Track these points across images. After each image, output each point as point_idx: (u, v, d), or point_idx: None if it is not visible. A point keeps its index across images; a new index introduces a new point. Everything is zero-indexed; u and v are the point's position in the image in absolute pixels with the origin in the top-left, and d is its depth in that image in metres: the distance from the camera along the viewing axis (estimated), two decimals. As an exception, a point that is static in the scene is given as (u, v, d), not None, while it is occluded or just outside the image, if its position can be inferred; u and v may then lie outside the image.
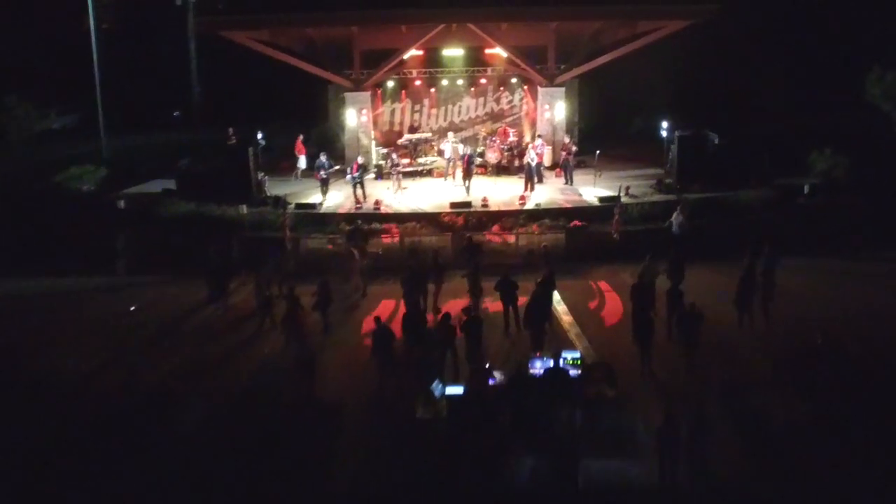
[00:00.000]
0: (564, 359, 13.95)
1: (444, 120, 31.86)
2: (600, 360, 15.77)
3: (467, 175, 26.62)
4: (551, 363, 13.91)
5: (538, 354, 14.07)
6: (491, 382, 13.73)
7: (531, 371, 13.96)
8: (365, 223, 23.88)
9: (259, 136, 26.63)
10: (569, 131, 30.58)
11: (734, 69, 38.57)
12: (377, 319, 16.16)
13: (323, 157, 26.12)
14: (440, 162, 29.25)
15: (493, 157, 28.90)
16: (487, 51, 30.51)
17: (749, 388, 15.39)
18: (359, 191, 25.70)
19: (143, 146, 39.25)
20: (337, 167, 26.44)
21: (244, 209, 24.50)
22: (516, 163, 29.23)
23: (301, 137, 29.72)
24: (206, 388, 15.85)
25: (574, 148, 27.68)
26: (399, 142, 30.11)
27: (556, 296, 19.48)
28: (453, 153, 28.17)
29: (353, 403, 15.06)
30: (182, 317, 20.16)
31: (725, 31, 32.78)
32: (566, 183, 27.38)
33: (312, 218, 24.79)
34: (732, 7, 27.10)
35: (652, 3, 26.59)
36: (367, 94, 29.66)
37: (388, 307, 19.81)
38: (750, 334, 17.90)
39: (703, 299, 17.79)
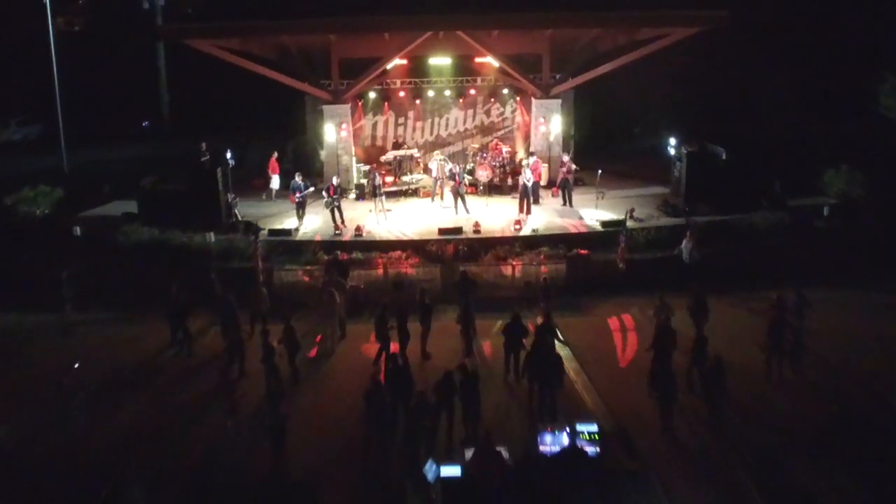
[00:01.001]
0: (580, 433, 11.90)
1: (431, 134, 29.87)
2: (617, 427, 13.78)
3: (458, 197, 24.60)
4: (565, 438, 11.85)
5: (549, 428, 12.00)
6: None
7: (542, 448, 11.90)
8: (345, 252, 21.87)
9: (228, 154, 24.40)
10: (565, 147, 28.56)
11: (738, 77, 36.67)
12: (374, 380, 14.13)
13: (298, 179, 24.02)
14: (426, 181, 27.16)
15: (483, 175, 26.83)
16: (477, 59, 28.49)
17: (788, 460, 13.45)
18: (337, 215, 23.58)
19: (109, 160, 36.92)
20: (312, 189, 24.26)
21: (211, 237, 22.33)
22: (509, 181, 27.19)
23: (275, 155, 27.51)
24: (156, 462, 13.68)
25: (574, 167, 25.59)
26: (382, 159, 28.02)
27: (559, 335, 17.52)
28: (440, 171, 26.11)
29: (330, 482, 12.96)
30: (138, 364, 18.07)
31: (729, 37, 30.86)
32: (564, 204, 25.34)
33: (287, 246, 22.70)
34: (737, 13, 25.14)
35: (655, 9, 24.57)
36: (346, 108, 27.55)
37: (370, 352, 17.74)
38: (783, 387, 15.99)
39: (722, 342, 16.11)
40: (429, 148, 29.67)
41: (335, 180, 24.55)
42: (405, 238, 22.90)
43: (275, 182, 27.08)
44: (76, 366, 15.36)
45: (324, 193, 24.19)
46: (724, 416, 14.59)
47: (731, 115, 35.16)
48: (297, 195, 23.82)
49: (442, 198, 26.27)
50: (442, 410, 13.94)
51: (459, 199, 24.90)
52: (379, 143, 29.87)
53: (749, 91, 36.28)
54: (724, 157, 26.67)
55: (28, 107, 42.46)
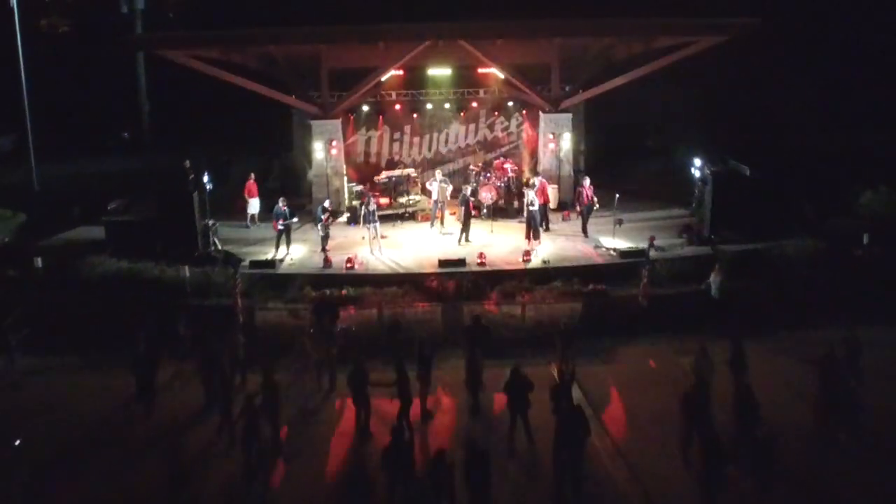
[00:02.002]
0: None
1: (429, 150, 27.89)
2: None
3: (465, 225, 22.72)
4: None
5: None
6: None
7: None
8: (334, 289, 19.80)
9: (205, 177, 22.28)
10: (575, 163, 26.53)
11: (757, 86, 34.66)
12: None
13: (282, 204, 21.96)
14: (425, 203, 25.04)
15: (487, 196, 24.70)
16: (480, 70, 26.44)
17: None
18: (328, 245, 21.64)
19: (84, 175, 34.80)
20: (296, 219, 22.10)
21: (185, 271, 20.23)
22: (515, 203, 25.10)
23: (252, 177, 25.34)
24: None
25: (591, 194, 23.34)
26: (376, 179, 25.90)
27: (577, 391, 15.52)
28: (441, 194, 24.03)
29: None
30: (95, 424, 15.85)
31: (746, 44, 28.84)
32: (586, 233, 23.29)
33: (270, 280, 20.61)
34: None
35: (673, 16, 22.55)
36: (336, 123, 25.47)
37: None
38: (843, 454, 13.94)
39: (764, 397, 13.93)
40: (427, 166, 27.66)
41: (328, 203, 22.57)
42: (402, 271, 20.82)
43: (253, 206, 24.91)
44: (17, 443, 13.19)
45: (320, 216, 22.12)
46: (774, 491, 12.60)
47: (751, 126, 33.14)
48: (281, 223, 21.73)
49: (442, 223, 24.18)
50: (441, 497, 11.83)
51: (464, 226, 22.86)
52: (373, 160, 27.87)
53: (770, 101, 34.25)
54: (748, 174, 24.85)
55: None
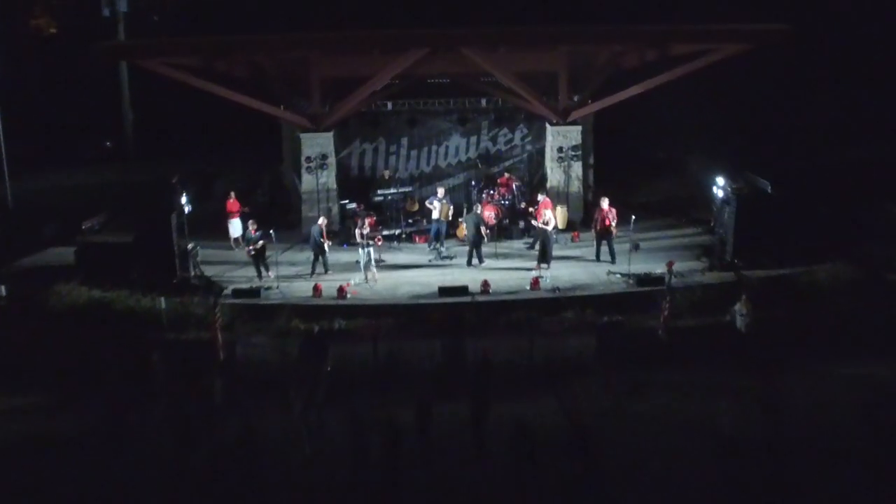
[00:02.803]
0: None
1: (427, 164, 26.28)
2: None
3: (477, 246, 21.20)
4: None
5: None
6: None
7: None
8: (324, 320, 18.24)
9: (183, 198, 20.68)
10: (584, 178, 24.98)
11: (773, 95, 33.14)
12: None
13: (251, 228, 20.36)
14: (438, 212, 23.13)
15: (489, 216, 23.09)
16: (482, 79, 24.87)
17: None
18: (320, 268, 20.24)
19: (64, 188, 33.20)
20: (261, 243, 20.45)
21: (162, 302, 18.64)
22: (521, 223, 23.49)
23: (233, 195, 23.71)
24: None
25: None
26: (373, 199, 24.29)
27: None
28: (443, 213, 22.44)
29: None
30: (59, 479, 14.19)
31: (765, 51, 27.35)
32: (599, 258, 21.62)
33: (255, 311, 19.02)
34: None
35: (692, 21, 21.04)
36: (328, 137, 23.89)
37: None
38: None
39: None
40: (425, 181, 26.06)
41: (322, 221, 21.07)
42: (398, 301, 19.23)
43: (235, 228, 23.22)
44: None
45: (317, 238, 20.66)
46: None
47: (768, 137, 31.62)
48: (252, 248, 20.16)
49: (442, 244, 22.59)
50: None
51: (475, 246, 21.44)
52: (367, 174, 26.23)
53: (788, 110, 32.72)
54: (768, 190, 23.40)
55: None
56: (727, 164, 27.81)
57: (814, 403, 15.89)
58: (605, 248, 21.50)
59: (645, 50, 23.47)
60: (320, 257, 20.95)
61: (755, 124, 32.82)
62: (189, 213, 20.67)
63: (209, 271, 21.26)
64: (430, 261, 22.00)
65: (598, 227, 21.13)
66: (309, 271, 20.93)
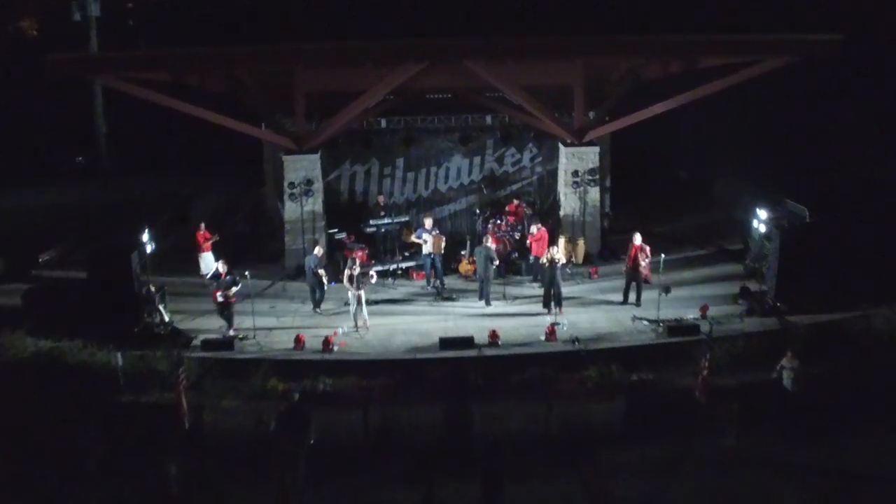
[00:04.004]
0: None
1: (426, 187, 24.04)
2: None
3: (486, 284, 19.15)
4: None
5: None
6: None
7: None
8: (307, 379, 15.96)
9: (145, 235, 18.37)
10: (602, 206, 22.76)
11: (807, 108, 30.87)
12: None
13: (221, 267, 18.06)
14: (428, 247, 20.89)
15: (498, 248, 20.83)
16: (487, 94, 22.65)
17: None
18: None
19: (28, 210, 30.74)
20: (237, 287, 18.13)
21: (118, 357, 16.32)
22: (531, 257, 21.17)
23: (203, 226, 21.34)
24: None
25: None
26: (364, 227, 22.01)
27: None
28: (435, 247, 20.18)
29: None
30: None
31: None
32: (624, 302, 19.24)
33: (227, 367, 16.71)
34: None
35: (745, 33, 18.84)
36: (314, 159, 21.64)
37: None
38: None
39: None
40: (423, 206, 23.85)
41: (319, 251, 19.21)
42: (393, 355, 16.94)
43: (206, 262, 20.84)
44: None
45: (313, 268, 18.79)
46: None
47: (801, 153, 29.33)
48: (220, 294, 17.81)
49: (441, 282, 20.32)
50: None
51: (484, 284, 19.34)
52: (358, 199, 23.97)
53: (823, 126, 30.47)
54: (808, 217, 21.24)
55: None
56: (757, 185, 25.78)
57: (885, 478, 13.78)
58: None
59: (670, 61, 21.20)
60: (318, 291, 19.04)
61: (784, 139, 30.50)
62: (152, 251, 18.35)
63: (178, 314, 18.97)
64: (433, 300, 19.71)
65: (630, 266, 18.79)
66: (311, 308, 19.42)
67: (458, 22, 27.92)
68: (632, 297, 19.15)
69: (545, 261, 18.37)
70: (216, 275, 18.02)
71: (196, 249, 21.06)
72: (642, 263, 18.61)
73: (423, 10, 31.98)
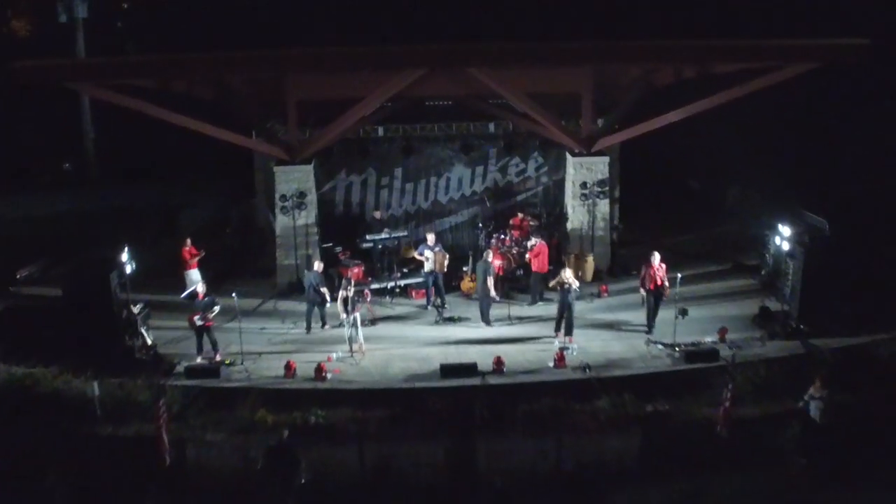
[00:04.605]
0: None
1: (425, 199, 23.05)
2: None
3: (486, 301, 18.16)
4: None
5: None
6: None
7: None
8: (298, 411, 14.94)
9: (124, 255, 17.33)
10: (611, 219, 21.75)
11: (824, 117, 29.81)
12: None
13: (200, 288, 17.04)
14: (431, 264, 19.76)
15: (498, 266, 19.82)
16: (491, 101, 21.67)
17: None
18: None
19: (10, 220, 29.68)
20: (217, 308, 17.07)
21: (95, 387, 15.29)
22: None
23: (188, 242, 20.23)
24: None
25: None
26: (360, 243, 20.99)
27: None
28: (437, 264, 19.17)
29: None
30: None
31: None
32: (649, 332, 17.94)
33: (212, 396, 15.67)
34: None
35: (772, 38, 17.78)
36: (307, 169, 20.65)
37: None
38: None
39: None
40: (422, 219, 22.84)
41: (319, 266, 18.42)
42: (391, 384, 15.91)
43: (192, 280, 19.74)
44: None
45: (314, 285, 17.97)
46: None
47: (817, 165, 28.28)
48: (198, 318, 16.77)
49: (442, 301, 19.30)
50: None
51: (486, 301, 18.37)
52: (354, 211, 22.97)
53: (835, 131, 29.44)
54: (827, 232, 20.37)
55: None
56: (771, 195, 24.81)
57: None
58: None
59: (685, 67, 20.19)
60: (319, 309, 18.20)
61: (797, 145, 29.47)
62: (132, 272, 17.33)
63: (161, 337, 17.97)
64: (435, 321, 18.72)
65: (649, 288, 17.68)
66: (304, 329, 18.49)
67: (459, 25, 26.79)
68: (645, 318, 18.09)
69: (555, 285, 17.32)
70: (192, 294, 16.96)
71: (182, 266, 19.98)
72: (667, 284, 17.50)
73: (422, 13, 31.02)
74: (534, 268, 19.43)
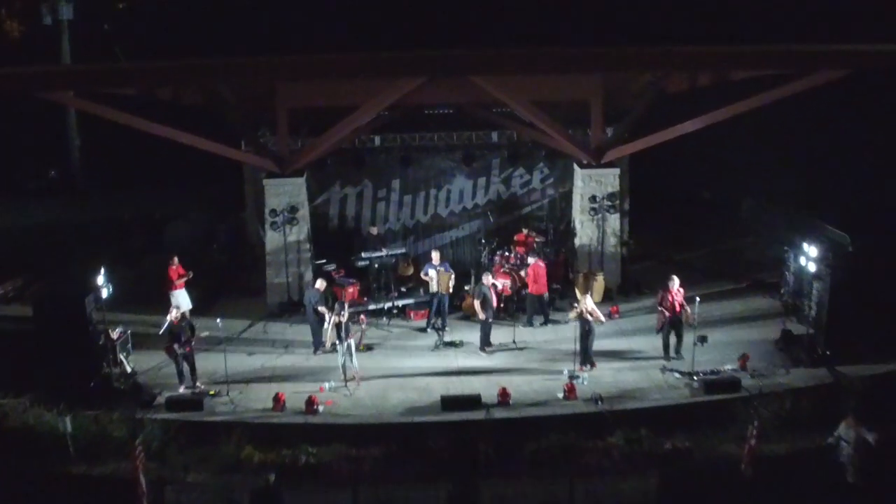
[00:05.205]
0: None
1: (424, 212, 22.04)
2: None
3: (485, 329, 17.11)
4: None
5: None
6: None
7: None
8: (287, 448, 13.94)
9: (100, 278, 16.27)
10: (623, 235, 20.75)
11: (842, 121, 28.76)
12: None
13: (175, 314, 15.98)
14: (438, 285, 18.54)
15: (502, 284, 18.80)
16: (494, 109, 20.65)
17: None
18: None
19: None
20: (204, 334, 16.11)
21: (67, 423, 14.24)
22: (546, 295, 19.06)
23: (175, 262, 19.07)
24: None
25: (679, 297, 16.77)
26: (356, 261, 19.93)
27: None
28: (441, 285, 18.12)
29: None
30: None
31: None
32: (667, 355, 16.83)
33: (195, 431, 14.64)
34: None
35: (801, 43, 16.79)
36: (299, 183, 19.62)
37: None
38: None
39: None
40: (421, 233, 21.82)
41: (321, 285, 17.44)
42: (387, 418, 14.86)
43: (181, 300, 18.68)
44: None
45: (314, 305, 17.12)
46: None
47: (828, 169, 27.25)
48: (178, 346, 15.72)
49: (444, 324, 18.24)
50: None
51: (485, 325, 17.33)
52: (349, 224, 21.94)
53: (853, 139, 28.41)
54: (850, 248, 19.38)
55: None
56: (788, 206, 23.82)
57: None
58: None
59: (702, 73, 19.18)
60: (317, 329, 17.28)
61: (816, 154, 28.39)
62: (108, 296, 16.30)
63: (142, 363, 16.94)
64: (436, 345, 17.63)
65: (670, 316, 16.58)
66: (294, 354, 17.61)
67: (460, 30, 25.81)
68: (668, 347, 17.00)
69: (574, 316, 16.17)
70: (168, 329, 15.89)
71: (168, 286, 18.88)
72: (688, 310, 16.40)
73: (421, 17, 30.01)
74: (530, 290, 18.38)
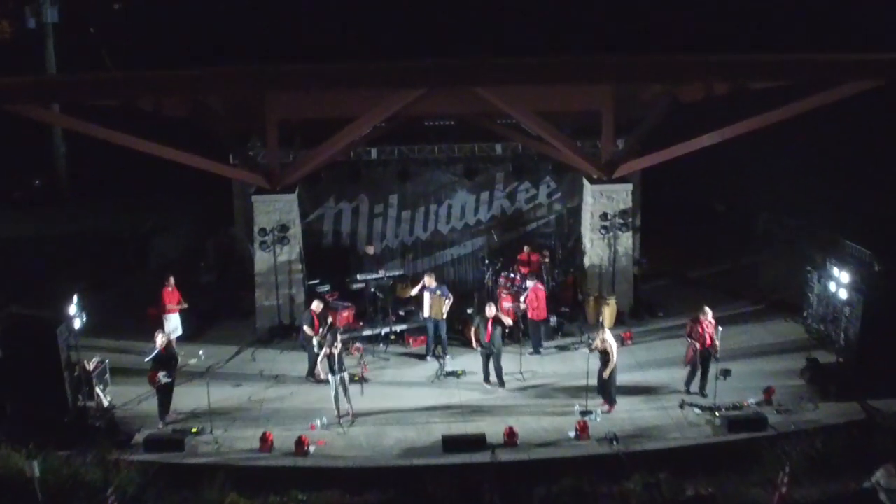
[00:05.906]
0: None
1: (424, 229, 21.09)
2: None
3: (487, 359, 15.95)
4: None
5: None
6: None
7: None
8: (275, 495, 12.91)
9: (73, 307, 15.21)
10: (634, 253, 19.73)
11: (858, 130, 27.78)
12: None
13: (160, 340, 14.91)
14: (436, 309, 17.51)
15: (508, 308, 17.76)
16: (498, 120, 19.66)
17: None
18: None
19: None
20: (194, 361, 15.07)
21: (35, 467, 13.16)
22: (552, 320, 18.06)
23: (170, 283, 17.99)
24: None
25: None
26: (350, 284, 18.89)
27: None
28: (434, 310, 17.06)
29: None
30: None
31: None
32: (688, 390, 15.74)
33: (176, 473, 13.60)
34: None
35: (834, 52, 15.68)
36: (290, 200, 18.61)
37: None
38: None
39: None
40: (420, 251, 20.81)
41: (317, 306, 16.44)
42: (385, 461, 13.82)
43: (172, 325, 17.62)
44: None
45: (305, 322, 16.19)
46: None
47: (846, 179, 26.22)
48: (162, 375, 14.70)
49: (444, 351, 17.20)
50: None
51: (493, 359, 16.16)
52: (344, 242, 20.94)
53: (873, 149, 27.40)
54: (875, 266, 18.37)
55: None
56: (806, 220, 22.80)
57: None
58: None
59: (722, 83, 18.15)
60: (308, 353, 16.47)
61: (833, 164, 27.36)
62: (82, 327, 15.27)
63: (121, 395, 15.90)
64: (436, 375, 16.56)
65: (701, 349, 15.41)
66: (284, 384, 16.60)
67: (462, 38, 24.86)
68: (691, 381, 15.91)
69: (595, 349, 15.02)
70: (156, 357, 14.86)
71: (160, 309, 17.75)
72: (717, 345, 15.31)
73: (421, 22, 29.01)
74: (530, 315, 17.32)
